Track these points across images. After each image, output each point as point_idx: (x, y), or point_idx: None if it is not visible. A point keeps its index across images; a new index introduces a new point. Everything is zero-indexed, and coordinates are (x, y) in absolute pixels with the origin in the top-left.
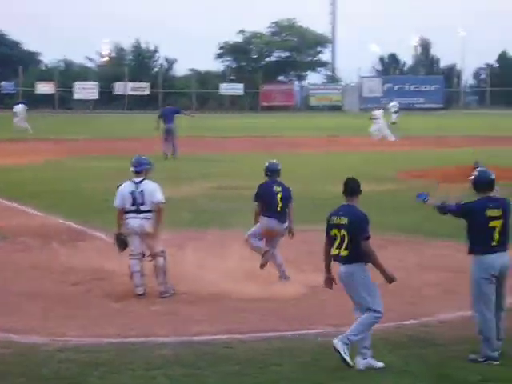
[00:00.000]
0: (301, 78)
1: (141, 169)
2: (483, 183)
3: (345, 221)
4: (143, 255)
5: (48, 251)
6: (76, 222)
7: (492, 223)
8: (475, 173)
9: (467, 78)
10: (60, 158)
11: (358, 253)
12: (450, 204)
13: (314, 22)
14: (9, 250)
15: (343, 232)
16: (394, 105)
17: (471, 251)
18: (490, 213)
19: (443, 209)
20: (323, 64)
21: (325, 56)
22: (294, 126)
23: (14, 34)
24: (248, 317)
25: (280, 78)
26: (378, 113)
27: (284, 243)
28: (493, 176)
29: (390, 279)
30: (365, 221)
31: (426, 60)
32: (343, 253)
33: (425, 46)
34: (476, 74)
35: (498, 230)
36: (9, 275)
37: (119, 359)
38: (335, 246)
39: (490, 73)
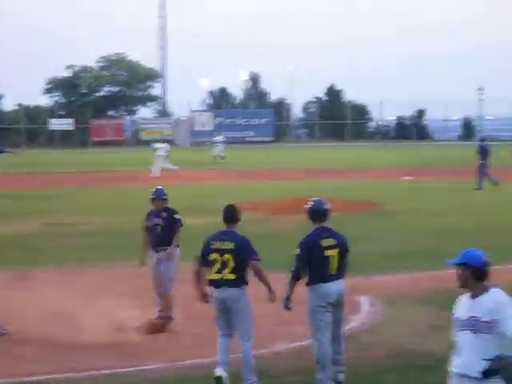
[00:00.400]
0: (131, 112)
1: None
2: (317, 213)
3: (231, 246)
4: None
5: None
6: None
7: (327, 252)
8: (310, 203)
9: (297, 112)
10: None
11: (244, 276)
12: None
13: (145, 56)
14: None
15: (228, 256)
16: (219, 139)
17: (309, 282)
18: (325, 242)
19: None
20: (154, 98)
21: (155, 90)
22: (126, 161)
23: None
24: (82, 355)
25: (111, 112)
26: (163, 145)
27: (117, 278)
28: (327, 206)
29: (273, 298)
30: (251, 244)
31: (256, 94)
32: (229, 276)
33: (255, 79)
34: (305, 108)
35: (333, 259)
36: None
37: None
38: (215, 271)
39: (319, 106)
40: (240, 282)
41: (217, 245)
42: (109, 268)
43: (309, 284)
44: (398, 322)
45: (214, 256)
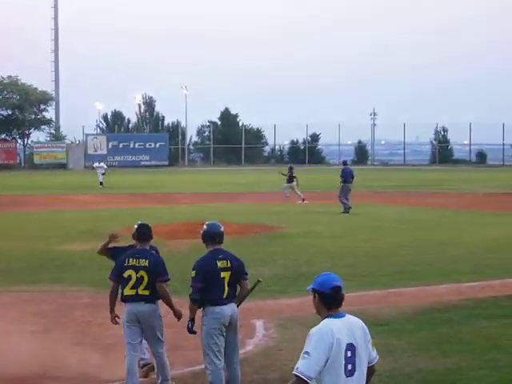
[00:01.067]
0: (24, 136)
1: None
2: (212, 235)
3: (145, 263)
4: None
5: None
6: None
7: (222, 274)
8: (204, 226)
9: (192, 135)
10: None
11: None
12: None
13: (37, 79)
14: None
15: (142, 273)
16: (100, 166)
17: (204, 304)
18: (220, 264)
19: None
20: (47, 122)
21: (49, 114)
22: (18, 185)
23: None
24: None
25: (2, 136)
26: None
27: (7, 304)
28: (221, 229)
29: (179, 315)
30: (164, 264)
31: (150, 117)
32: (143, 292)
33: (149, 103)
34: (200, 131)
35: (227, 281)
36: None
37: None
38: (129, 286)
39: (213, 130)
40: (155, 297)
41: (131, 262)
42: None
43: (204, 306)
44: (291, 346)
45: (129, 272)
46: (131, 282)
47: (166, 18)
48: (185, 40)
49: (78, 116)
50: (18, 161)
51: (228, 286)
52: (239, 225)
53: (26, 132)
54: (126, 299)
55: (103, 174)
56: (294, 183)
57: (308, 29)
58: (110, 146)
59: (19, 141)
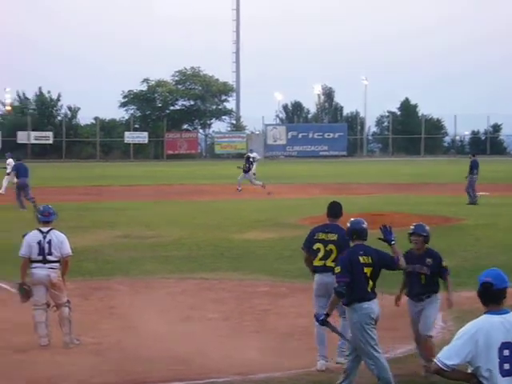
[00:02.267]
0: (205, 126)
1: (50, 219)
2: (356, 231)
3: (334, 237)
4: (48, 305)
5: None
6: None
7: (365, 269)
8: (348, 224)
9: (370, 126)
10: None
11: None
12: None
13: (219, 70)
14: None
15: (331, 246)
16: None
17: (349, 301)
18: (362, 260)
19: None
20: (228, 112)
21: (229, 104)
22: (200, 174)
23: None
24: (155, 366)
25: (185, 126)
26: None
27: (188, 291)
28: (364, 225)
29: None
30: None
31: (329, 108)
32: (331, 264)
33: (328, 94)
34: (379, 122)
35: (369, 276)
36: None
37: None
38: (318, 258)
39: (393, 120)
40: None
41: (320, 235)
42: (180, 280)
43: (350, 304)
44: None
45: (317, 246)
46: (320, 254)
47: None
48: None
49: (258, 106)
50: (199, 150)
51: (371, 281)
52: (419, 216)
53: (208, 122)
54: (315, 270)
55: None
56: (252, 173)
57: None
58: (289, 136)
59: (201, 131)
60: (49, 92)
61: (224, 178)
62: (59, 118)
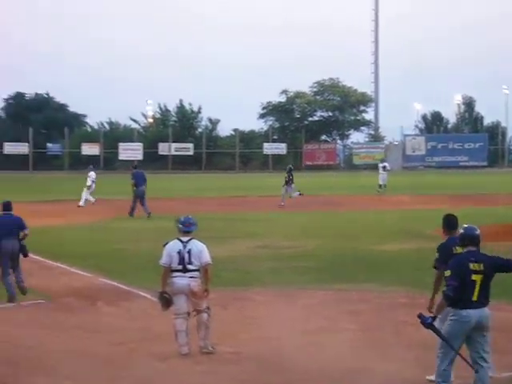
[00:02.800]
0: (343, 136)
1: (190, 229)
2: (467, 238)
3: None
4: (188, 314)
5: (93, 311)
6: (121, 282)
7: (474, 277)
8: (461, 230)
9: None
10: (105, 219)
11: None
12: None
13: (357, 80)
14: (53, 310)
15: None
16: (384, 166)
17: (452, 304)
18: (472, 266)
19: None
20: (366, 123)
21: (368, 115)
22: (338, 185)
23: (60, 97)
24: (293, 377)
25: (323, 137)
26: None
27: (325, 301)
28: (477, 232)
29: None
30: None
31: (469, 118)
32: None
33: (468, 103)
34: None
35: (478, 284)
36: (53, 335)
37: None
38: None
39: None
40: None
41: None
42: (317, 291)
43: (452, 307)
44: None
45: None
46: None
47: None
48: None
49: (397, 116)
50: (337, 161)
51: (479, 289)
52: None
53: (346, 133)
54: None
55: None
56: (293, 186)
57: None
58: (428, 147)
59: (339, 142)
60: (190, 104)
61: (362, 189)
62: (199, 129)
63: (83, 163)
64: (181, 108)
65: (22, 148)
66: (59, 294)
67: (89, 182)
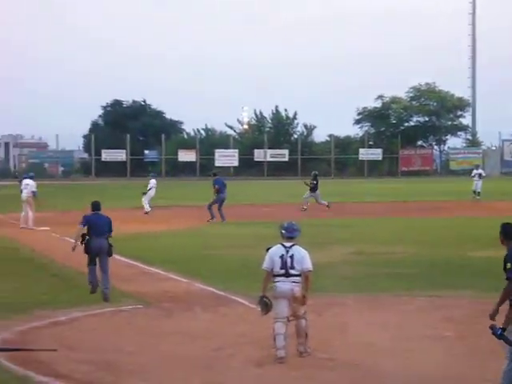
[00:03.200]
0: (440, 142)
1: (294, 234)
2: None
3: None
4: (288, 319)
5: (190, 316)
6: (217, 287)
7: None
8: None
9: None
10: (201, 224)
11: None
12: None
13: (453, 85)
14: (152, 315)
15: None
16: (480, 173)
17: None
18: None
19: None
20: (463, 128)
21: (465, 120)
22: (435, 190)
23: (157, 104)
24: None
25: (419, 142)
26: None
27: (421, 308)
28: None
29: None
30: None
31: None
32: None
33: None
34: None
35: None
36: (151, 340)
37: None
38: None
39: None
40: None
41: None
42: (412, 298)
43: None
44: None
45: None
46: None
47: None
48: None
49: (495, 121)
50: (434, 167)
51: None
52: None
53: (443, 138)
54: None
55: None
56: (318, 192)
57: None
58: None
59: (435, 147)
60: (285, 110)
61: (459, 195)
62: (295, 135)
63: (180, 170)
64: (276, 114)
65: (119, 155)
66: (157, 299)
67: (150, 186)
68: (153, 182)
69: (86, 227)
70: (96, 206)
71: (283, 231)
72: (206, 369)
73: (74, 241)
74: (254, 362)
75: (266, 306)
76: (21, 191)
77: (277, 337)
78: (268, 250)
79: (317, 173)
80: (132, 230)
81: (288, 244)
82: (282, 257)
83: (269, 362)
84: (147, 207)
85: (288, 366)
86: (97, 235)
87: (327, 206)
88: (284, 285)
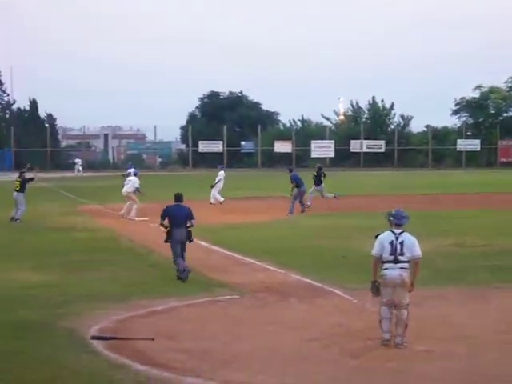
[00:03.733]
0: None
1: (402, 222)
2: None
3: None
4: (394, 305)
5: (286, 307)
6: (312, 278)
7: None
8: None
9: None
10: (296, 216)
11: None
12: None
13: None
14: (248, 305)
15: None
16: None
17: None
18: None
19: None
20: None
21: None
22: None
23: (254, 96)
24: (490, 378)
25: None
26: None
27: None
28: None
29: None
30: None
31: None
32: None
33: None
34: None
35: None
36: (247, 330)
37: None
38: None
39: None
40: None
41: None
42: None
43: None
44: None
45: None
46: None
47: None
48: None
49: None
50: None
51: None
52: None
53: None
54: None
55: None
56: (322, 186)
57: None
58: None
59: None
60: (382, 101)
61: None
62: (391, 126)
63: (276, 161)
64: (373, 105)
65: (216, 146)
66: (253, 289)
67: (218, 178)
68: (221, 173)
69: (166, 220)
70: (178, 198)
71: (391, 218)
72: (301, 360)
73: (164, 230)
74: (350, 353)
75: (377, 290)
76: (123, 186)
77: (383, 320)
78: (377, 236)
79: (321, 166)
80: (227, 221)
81: (397, 231)
82: (391, 243)
83: (364, 354)
84: (219, 198)
85: (384, 358)
86: (177, 226)
87: (334, 197)
88: (393, 271)
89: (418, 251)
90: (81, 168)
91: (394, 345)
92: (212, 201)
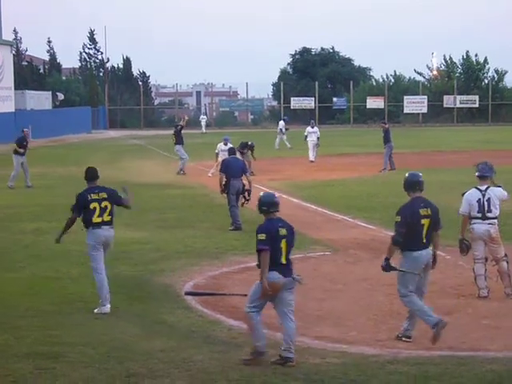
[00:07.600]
0: None
1: (486, 174)
2: (412, 184)
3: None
4: (486, 260)
5: (377, 264)
6: None
7: (423, 221)
8: (405, 175)
9: None
10: (387, 173)
11: None
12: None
13: None
14: (340, 262)
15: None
16: None
17: (403, 248)
18: (422, 212)
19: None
20: None
21: None
22: None
23: (346, 51)
24: None
25: None
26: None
27: None
28: (421, 177)
29: None
30: None
31: None
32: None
33: None
34: None
35: (426, 228)
36: (339, 286)
37: (449, 373)
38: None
39: None
40: None
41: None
42: None
43: (403, 250)
44: None
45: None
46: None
47: None
48: None
49: None
50: None
51: (426, 232)
52: None
53: None
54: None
55: None
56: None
57: None
58: None
59: None
60: (476, 55)
61: None
62: (485, 81)
63: (368, 117)
64: (467, 59)
65: (307, 102)
66: (345, 246)
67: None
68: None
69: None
70: (232, 151)
71: (477, 173)
72: (392, 316)
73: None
74: (444, 310)
75: (466, 247)
76: (216, 154)
77: (478, 277)
78: (463, 194)
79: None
80: (320, 178)
81: (483, 187)
82: (479, 201)
83: (458, 311)
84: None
85: (478, 315)
86: (233, 177)
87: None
88: (481, 226)
89: (504, 193)
90: (204, 125)
91: (505, 295)
92: (311, 158)
